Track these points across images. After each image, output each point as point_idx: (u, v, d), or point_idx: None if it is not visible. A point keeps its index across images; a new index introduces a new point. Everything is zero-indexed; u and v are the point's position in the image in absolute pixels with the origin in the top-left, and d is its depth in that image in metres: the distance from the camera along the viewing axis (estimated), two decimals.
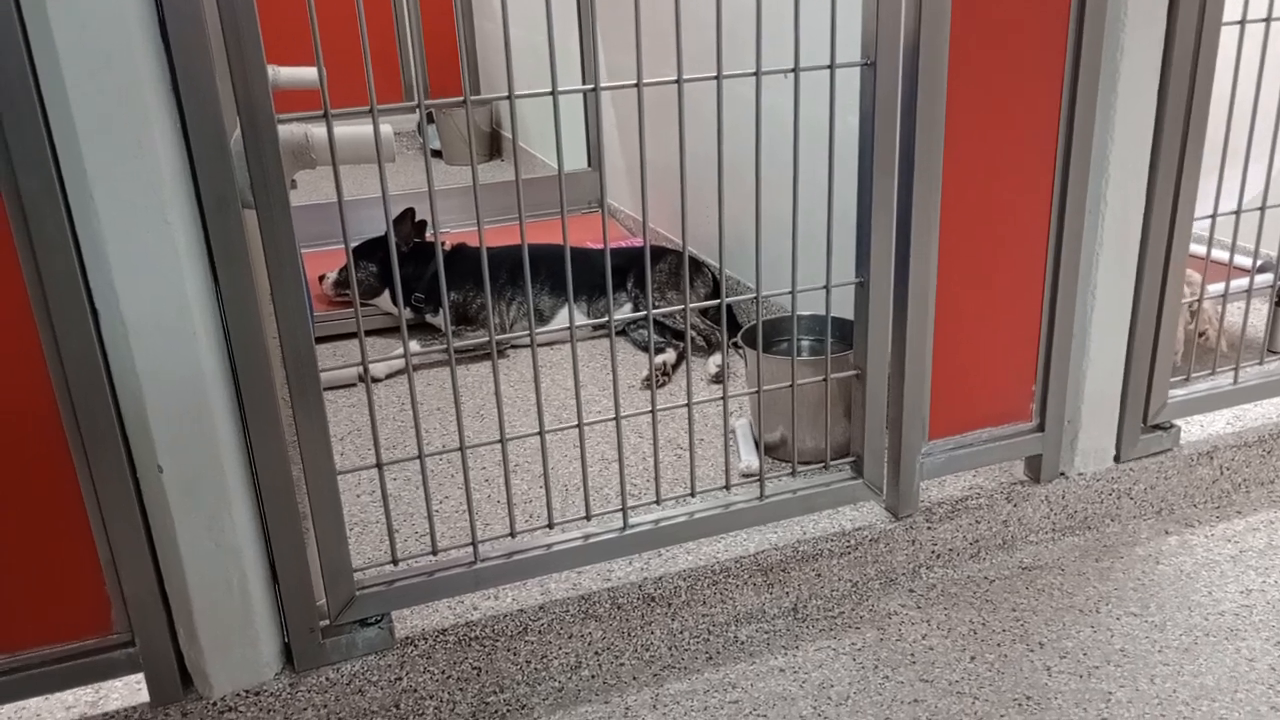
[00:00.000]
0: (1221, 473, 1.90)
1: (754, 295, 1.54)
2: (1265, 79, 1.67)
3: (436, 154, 4.63)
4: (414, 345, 2.60)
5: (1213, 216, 1.74)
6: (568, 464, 2.02)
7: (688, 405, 1.54)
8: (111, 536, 1.27)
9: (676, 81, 1.35)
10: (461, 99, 1.28)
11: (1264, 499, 1.92)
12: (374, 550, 1.77)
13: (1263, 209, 1.78)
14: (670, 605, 1.59)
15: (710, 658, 1.58)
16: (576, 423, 1.48)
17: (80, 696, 1.42)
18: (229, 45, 1.13)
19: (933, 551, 1.75)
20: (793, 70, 1.41)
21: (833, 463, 1.70)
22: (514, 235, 1.44)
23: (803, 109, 1.44)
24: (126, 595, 1.30)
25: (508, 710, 1.50)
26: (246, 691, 1.38)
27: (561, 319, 2.65)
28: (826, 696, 1.48)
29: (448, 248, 2.75)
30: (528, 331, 1.41)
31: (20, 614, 1.29)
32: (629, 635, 1.58)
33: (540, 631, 1.52)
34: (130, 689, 1.41)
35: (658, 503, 1.58)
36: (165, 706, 1.37)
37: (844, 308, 1.65)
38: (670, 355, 2.45)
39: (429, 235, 2.79)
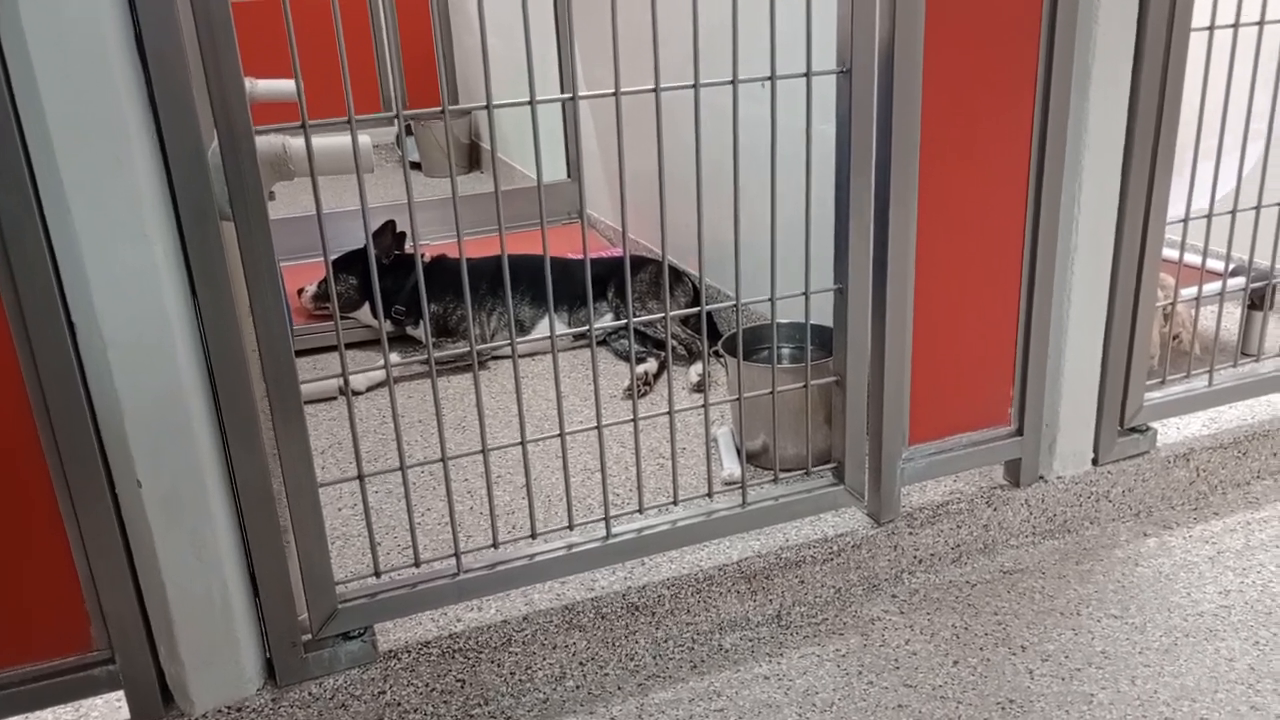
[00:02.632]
0: (1198, 474, 1.92)
1: (734, 303, 1.55)
2: (1234, 83, 1.70)
3: (415, 166, 4.62)
4: (394, 357, 2.60)
5: (1184, 220, 1.76)
6: (550, 474, 2.02)
7: (669, 414, 1.55)
8: (90, 552, 1.26)
9: (654, 90, 1.36)
10: (440, 109, 1.29)
11: (1240, 500, 1.94)
12: (356, 563, 1.76)
13: (1234, 212, 1.81)
14: (654, 614, 1.59)
15: (695, 666, 1.58)
16: (558, 432, 1.48)
17: (60, 715, 1.40)
18: (206, 58, 1.13)
19: (914, 556, 1.75)
20: (769, 78, 1.42)
21: (814, 469, 1.70)
22: (494, 246, 1.44)
23: (780, 117, 1.45)
24: (106, 611, 1.29)
25: None
26: (228, 708, 1.37)
27: (542, 329, 2.65)
28: (811, 703, 1.49)
29: (427, 259, 2.75)
30: (509, 342, 1.41)
31: None
32: (613, 645, 1.58)
33: (524, 642, 1.52)
34: (110, 707, 1.40)
35: (640, 512, 1.58)
36: None
37: (823, 315, 1.66)
38: (651, 364, 2.45)
39: (409, 247, 2.79)
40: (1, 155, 1.08)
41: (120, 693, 1.35)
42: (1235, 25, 1.67)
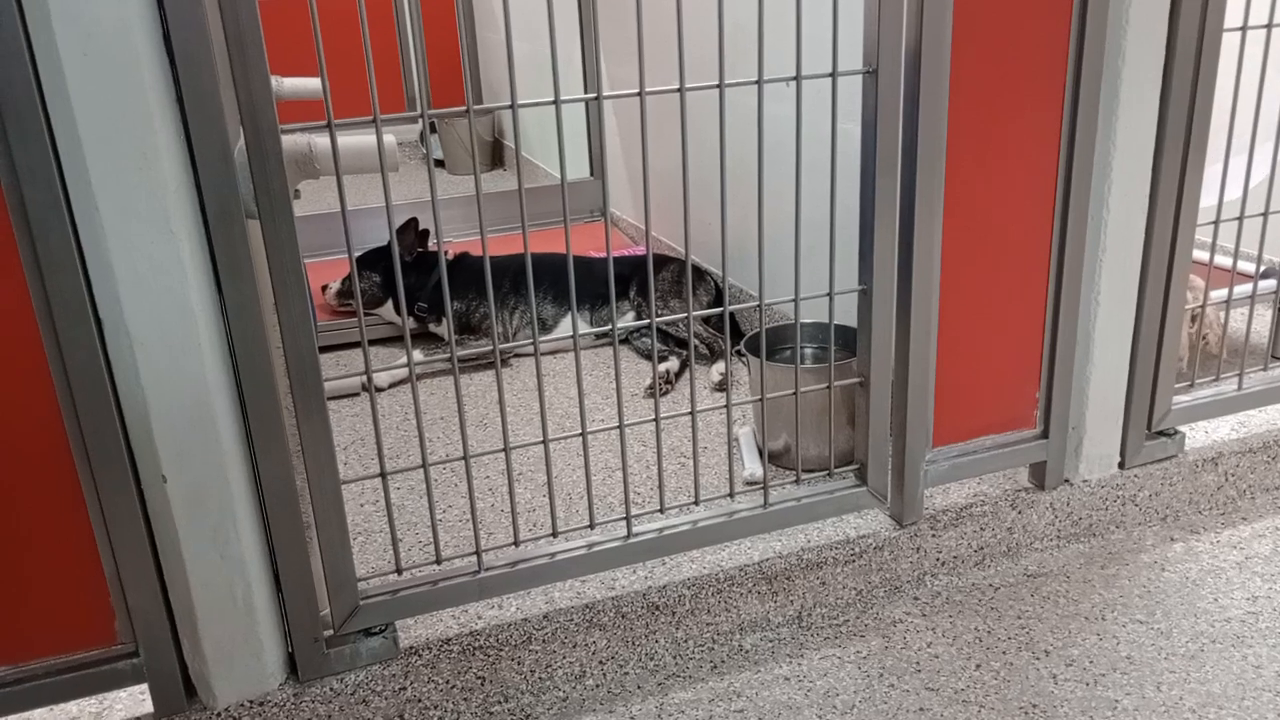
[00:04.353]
0: (1226, 479, 1.90)
1: (757, 303, 1.55)
2: (1266, 84, 1.67)
3: (439, 163, 4.64)
4: (417, 354, 2.60)
5: (1215, 223, 1.74)
6: (571, 473, 2.02)
7: (691, 413, 1.54)
8: (116, 547, 1.27)
9: (679, 90, 1.35)
10: (464, 108, 1.29)
11: (1269, 505, 1.92)
12: (378, 560, 1.77)
13: (1265, 214, 1.78)
14: (674, 614, 1.59)
15: (715, 666, 1.58)
16: (580, 431, 1.48)
17: (84, 708, 1.42)
18: (233, 56, 1.14)
19: (937, 559, 1.74)
20: (794, 78, 1.41)
21: (836, 470, 1.69)
22: (516, 244, 1.44)
23: (805, 117, 1.44)
24: (130, 606, 1.30)
25: None
26: (250, 702, 1.38)
27: (564, 327, 2.65)
28: (832, 705, 1.48)
29: (450, 257, 2.76)
30: (531, 340, 1.42)
31: (24, 624, 1.29)
32: (633, 644, 1.58)
33: (544, 640, 1.52)
34: (134, 700, 1.41)
35: (661, 511, 1.58)
36: (169, 717, 1.36)
37: (847, 315, 1.65)
38: (673, 363, 2.45)
39: (432, 244, 2.80)
40: (30, 152, 1.09)
41: (144, 686, 1.36)
42: (1269, 25, 1.65)
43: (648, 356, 2.60)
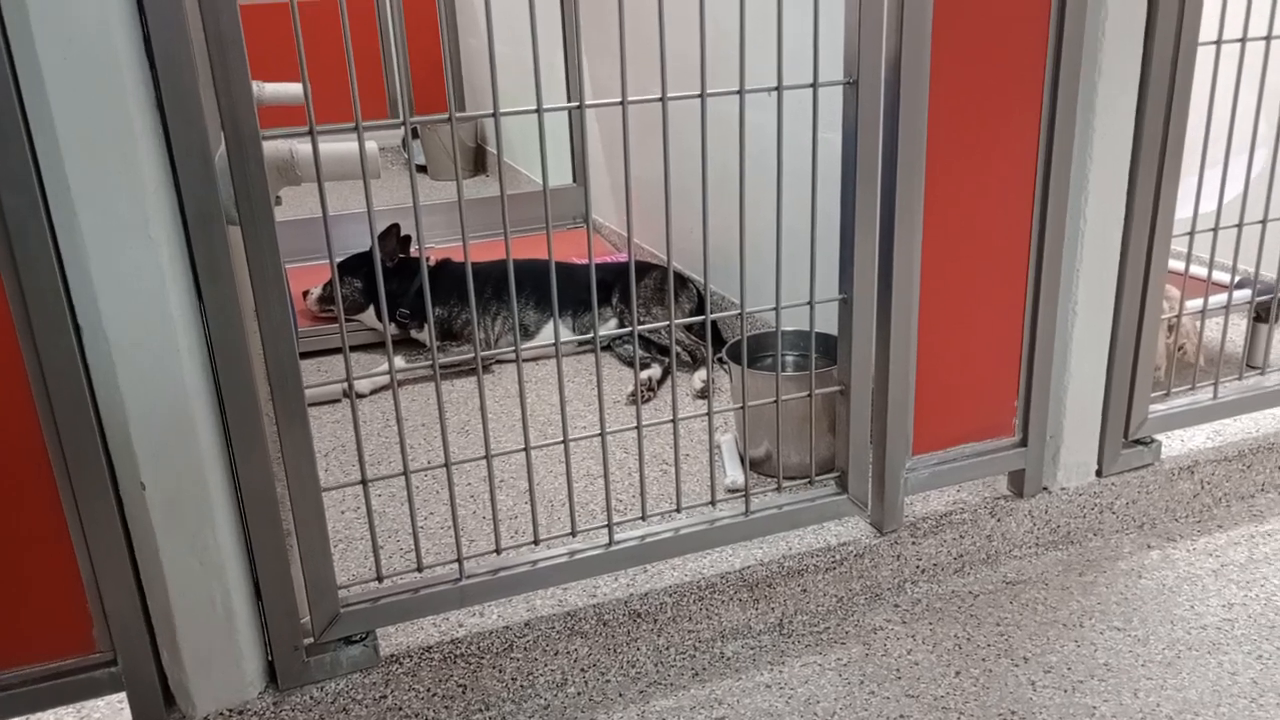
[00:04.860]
0: (1202, 487, 1.92)
1: (738, 311, 1.55)
2: (1240, 97, 1.70)
3: (421, 169, 4.63)
4: (399, 361, 2.60)
5: (1190, 234, 1.76)
6: (553, 480, 2.02)
7: (673, 421, 1.54)
8: (94, 554, 1.26)
9: (661, 99, 1.36)
10: (446, 115, 1.29)
11: (1244, 513, 1.93)
12: (358, 567, 1.76)
13: (1240, 225, 1.80)
14: (656, 621, 1.59)
15: (696, 674, 1.58)
16: (562, 439, 1.48)
17: (62, 716, 1.41)
18: (214, 61, 1.13)
19: (917, 566, 1.75)
20: (776, 88, 1.42)
21: (817, 478, 1.70)
22: (499, 250, 1.44)
23: (786, 127, 1.45)
24: (109, 613, 1.29)
25: None
26: (229, 710, 1.37)
27: (546, 334, 2.65)
28: (813, 712, 1.48)
29: (432, 263, 2.75)
30: (513, 347, 1.42)
31: (0, 632, 1.27)
32: (615, 652, 1.58)
33: (526, 648, 1.52)
34: (112, 708, 1.40)
35: (643, 519, 1.58)
36: None
37: (828, 324, 1.66)
38: (655, 371, 2.45)
39: (414, 250, 2.79)
40: (9, 157, 1.09)
41: (122, 694, 1.35)
42: (1243, 40, 1.67)
43: (630, 363, 2.60)
